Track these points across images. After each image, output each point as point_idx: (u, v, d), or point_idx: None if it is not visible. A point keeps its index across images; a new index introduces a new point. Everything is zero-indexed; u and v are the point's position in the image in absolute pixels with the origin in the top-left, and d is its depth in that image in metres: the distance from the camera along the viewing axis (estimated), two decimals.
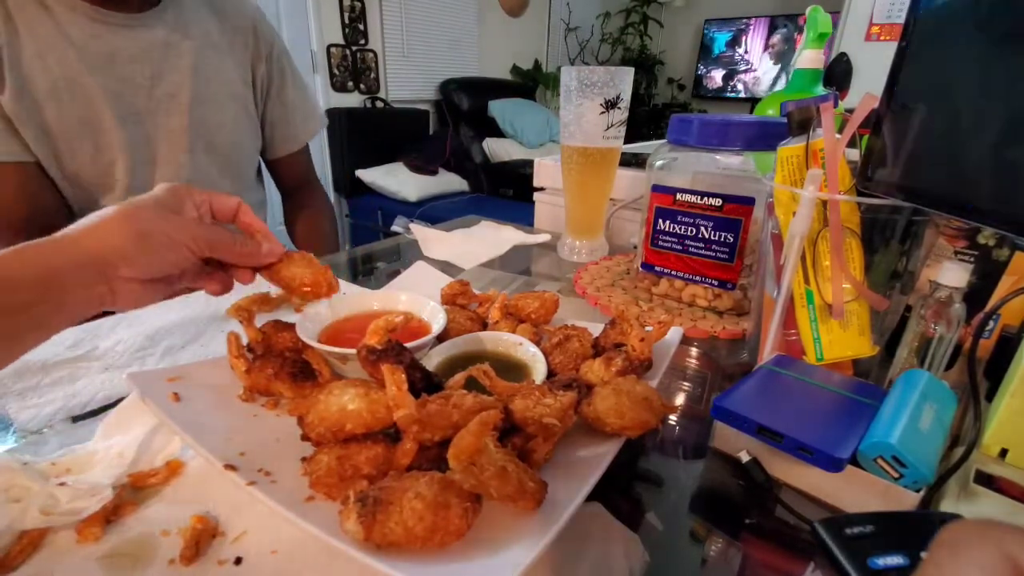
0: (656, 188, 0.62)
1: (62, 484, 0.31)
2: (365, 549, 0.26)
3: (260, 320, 0.46)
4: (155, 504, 0.32)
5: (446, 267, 0.76)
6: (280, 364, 0.39)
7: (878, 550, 0.23)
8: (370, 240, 0.99)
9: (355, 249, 0.92)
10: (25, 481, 0.30)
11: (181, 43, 0.78)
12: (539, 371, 0.41)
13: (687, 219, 0.60)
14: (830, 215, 0.42)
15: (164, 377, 0.39)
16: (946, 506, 0.30)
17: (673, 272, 0.64)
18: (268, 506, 0.29)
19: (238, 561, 0.29)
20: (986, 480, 0.31)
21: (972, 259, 0.45)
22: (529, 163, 1.18)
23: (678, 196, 0.60)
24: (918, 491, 0.31)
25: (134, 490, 0.33)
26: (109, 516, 0.30)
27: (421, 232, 0.84)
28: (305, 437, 0.32)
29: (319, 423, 0.31)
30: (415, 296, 0.50)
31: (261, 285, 0.42)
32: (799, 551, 0.33)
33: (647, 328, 0.43)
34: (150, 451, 0.35)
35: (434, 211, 2.52)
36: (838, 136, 0.41)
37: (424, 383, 0.36)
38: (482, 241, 0.87)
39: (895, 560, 0.22)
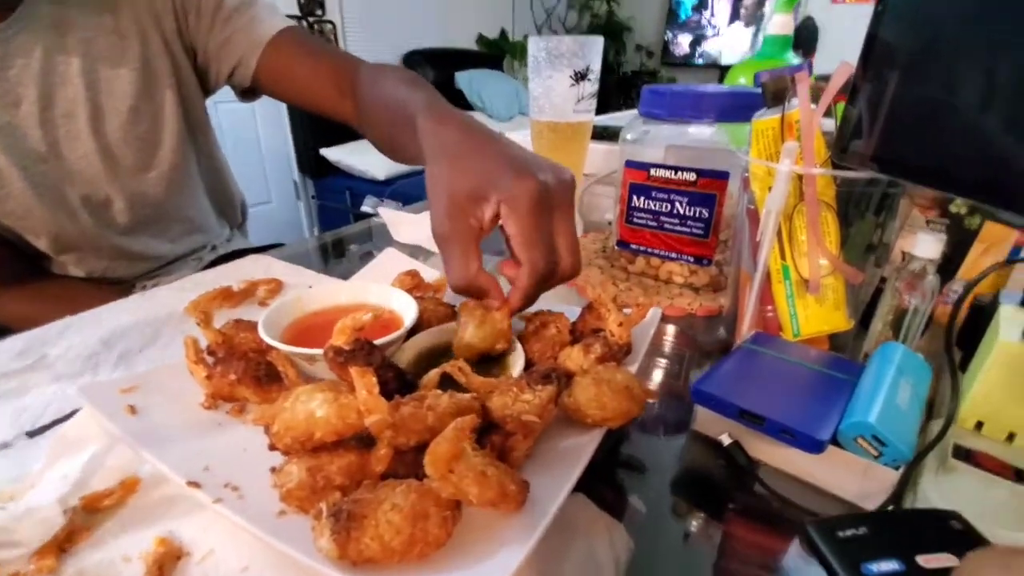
0: (629, 164, 0.61)
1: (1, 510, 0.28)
2: (340, 568, 0.24)
3: (221, 319, 0.44)
4: (112, 528, 0.30)
5: (416, 251, 0.73)
6: (243, 367, 0.37)
7: (872, 555, 0.23)
8: (341, 222, 0.95)
9: (324, 235, 0.88)
10: None
11: (63, 41, 0.61)
12: (516, 361, 0.40)
13: (662, 195, 0.59)
14: (806, 189, 0.41)
15: (118, 388, 0.37)
16: (925, 482, 0.31)
17: (649, 249, 0.63)
18: (238, 524, 0.27)
19: None
20: (964, 455, 0.32)
21: (943, 228, 0.45)
22: None
23: (652, 172, 0.59)
24: (897, 468, 0.32)
25: (87, 514, 0.30)
26: (62, 545, 0.28)
27: (389, 215, 0.81)
28: (273, 447, 0.31)
29: (286, 433, 0.29)
30: (385, 287, 0.48)
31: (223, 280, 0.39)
32: (781, 531, 0.33)
33: (625, 311, 0.42)
34: (104, 469, 0.32)
35: (405, 188, 2.45)
36: (814, 107, 0.40)
37: (397, 383, 0.34)
38: None
39: (890, 566, 0.22)
